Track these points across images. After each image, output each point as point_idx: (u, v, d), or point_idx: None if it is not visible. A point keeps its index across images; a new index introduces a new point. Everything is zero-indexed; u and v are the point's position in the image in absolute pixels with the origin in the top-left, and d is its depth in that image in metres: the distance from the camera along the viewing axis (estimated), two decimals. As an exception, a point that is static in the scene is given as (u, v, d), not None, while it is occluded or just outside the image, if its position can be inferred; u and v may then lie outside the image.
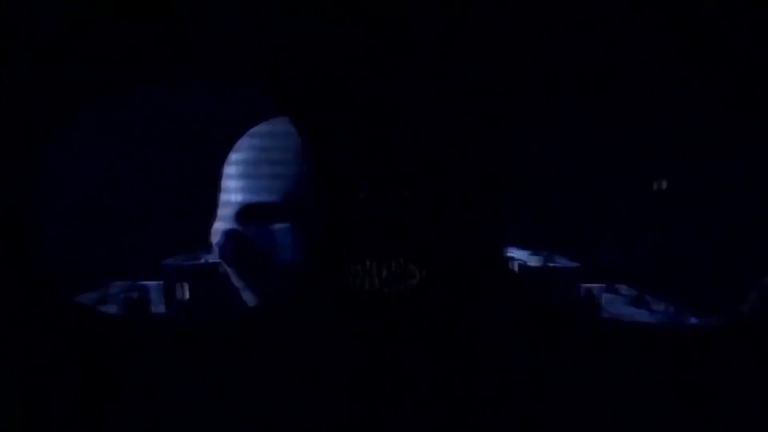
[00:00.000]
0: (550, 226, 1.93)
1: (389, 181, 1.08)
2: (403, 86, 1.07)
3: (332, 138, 1.09)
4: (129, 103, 1.65)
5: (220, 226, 1.54)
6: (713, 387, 1.05)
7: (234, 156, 1.61)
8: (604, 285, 1.63)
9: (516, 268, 1.99)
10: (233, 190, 1.52)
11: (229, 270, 1.52)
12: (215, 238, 1.54)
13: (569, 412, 1.08)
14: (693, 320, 1.39)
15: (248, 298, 1.49)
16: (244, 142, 1.58)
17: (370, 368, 1.11)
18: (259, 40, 1.06)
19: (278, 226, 1.43)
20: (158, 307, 1.59)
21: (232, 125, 1.59)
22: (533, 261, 1.98)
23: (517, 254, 2.06)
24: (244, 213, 1.46)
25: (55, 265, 1.25)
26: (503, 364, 1.10)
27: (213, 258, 1.61)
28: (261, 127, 1.60)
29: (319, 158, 1.10)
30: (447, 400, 1.11)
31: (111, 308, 1.55)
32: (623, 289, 1.61)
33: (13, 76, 1.06)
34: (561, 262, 1.92)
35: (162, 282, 1.65)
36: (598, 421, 1.08)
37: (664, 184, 1.62)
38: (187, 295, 1.66)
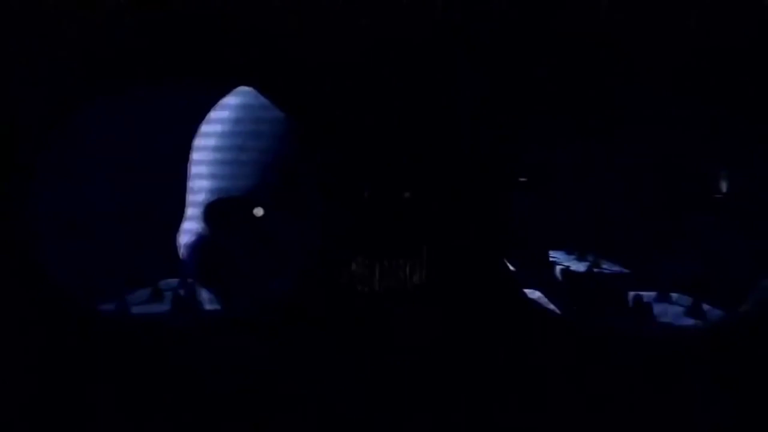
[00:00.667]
0: (598, 231, 1.92)
1: (390, 181, 1.08)
2: (403, 86, 1.07)
3: (332, 138, 1.08)
4: (131, 103, 1.62)
5: (188, 226, 1.46)
6: (715, 386, 1.07)
7: (197, 148, 1.55)
8: (655, 293, 1.61)
9: (558, 273, 1.97)
10: (200, 187, 1.45)
11: (195, 280, 1.46)
12: (182, 238, 1.49)
13: (569, 414, 1.09)
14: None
15: (215, 308, 1.45)
16: (206, 130, 1.50)
17: (369, 368, 1.10)
18: (259, 40, 1.05)
19: (252, 225, 1.40)
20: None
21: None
22: (578, 266, 1.97)
23: (561, 258, 2.05)
24: (213, 211, 1.43)
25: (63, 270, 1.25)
26: (503, 364, 1.10)
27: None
28: (219, 113, 1.49)
29: (319, 158, 1.10)
30: (447, 400, 1.10)
31: (161, 304, 1.53)
32: (677, 297, 1.59)
33: (12, 77, 1.04)
34: (608, 267, 1.90)
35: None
36: (596, 422, 1.09)
37: (724, 188, 1.61)
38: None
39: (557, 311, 1.39)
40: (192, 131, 1.55)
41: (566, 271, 1.90)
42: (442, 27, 1.03)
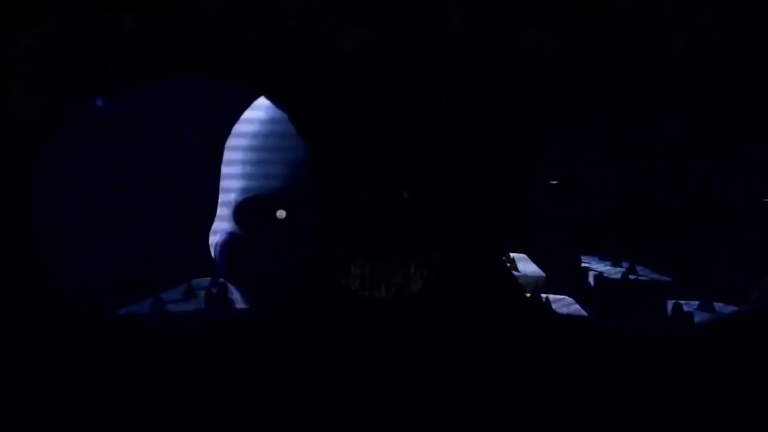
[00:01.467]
0: (635, 236, 1.85)
1: (389, 180, 1.07)
2: (404, 86, 1.05)
3: (332, 138, 1.08)
4: (134, 102, 1.66)
5: (219, 226, 1.50)
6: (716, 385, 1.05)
7: (230, 149, 1.54)
8: (697, 302, 1.54)
9: (592, 280, 1.91)
10: (231, 187, 1.49)
11: (225, 278, 1.48)
12: (213, 238, 1.50)
13: (572, 414, 1.07)
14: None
15: (243, 306, 1.45)
16: (238, 131, 1.53)
17: (369, 369, 1.09)
18: (259, 40, 1.05)
19: (279, 223, 1.41)
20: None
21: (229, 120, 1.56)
22: (613, 273, 1.90)
23: (595, 265, 1.99)
24: (243, 210, 1.44)
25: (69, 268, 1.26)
26: (502, 363, 1.08)
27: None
28: (252, 114, 1.52)
29: (319, 158, 1.09)
30: (446, 402, 1.08)
31: (194, 302, 1.57)
32: (723, 307, 1.51)
33: (12, 77, 1.04)
34: (645, 274, 1.83)
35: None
36: (599, 423, 1.07)
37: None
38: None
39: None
40: (222, 131, 1.60)
41: (600, 277, 1.84)
42: (443, 28, 1.03)
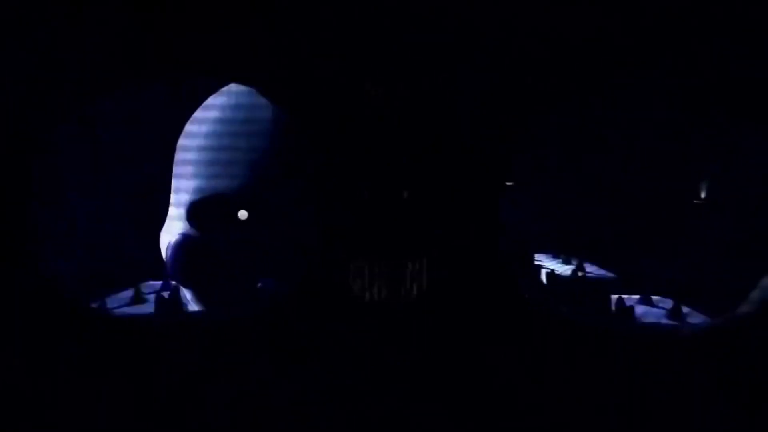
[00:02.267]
0: (582, 235, 1.96)
1: (389, 180, 1.08)
2: (404, 86, 1.07)
3: (332, 138, 1.08)
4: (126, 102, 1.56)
5: (171, 226, 1.45)
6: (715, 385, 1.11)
7: (182, 149, 1.50)
8: (639, 296, 1.66)
9: (544, 277, 2.00)
10: (184, 187, 1.45)
11: (178, 281, 1.44)
12: (164, 240, 1.44)
13: (570, 415, 1.12)
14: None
15: (199, 309, 1.41)
16: (191, 130, 1.50)
17: (368, 369, 1.10)
18: (259, 40, 1.04)
19: (236, 225, 1.38)
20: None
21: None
22: (563, 270, 2.00)
23: (547, 263, 2.09)
24: (197, 211, 1.40)
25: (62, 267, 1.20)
26: (501, 365, 1.11)
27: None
28: (204, 114, 1.49)
29: (319, 158, 1.09)
30: (446, 402, 1.11)
31: (144, 306, 1.47)
32: (660, 301, 1.64)
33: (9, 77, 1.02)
34: (593, 271, 1.95)
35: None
36: (595, 423, 1.12)
37: (702, 194, 1.66)
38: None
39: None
40: (177, 131, 1.51)
41: (551, 275, 1.93)
42: (443, 28, 1.03)
